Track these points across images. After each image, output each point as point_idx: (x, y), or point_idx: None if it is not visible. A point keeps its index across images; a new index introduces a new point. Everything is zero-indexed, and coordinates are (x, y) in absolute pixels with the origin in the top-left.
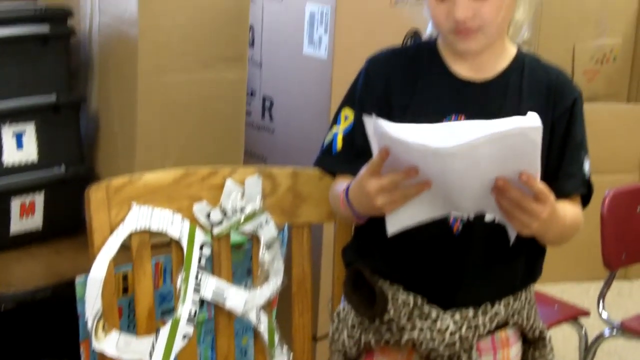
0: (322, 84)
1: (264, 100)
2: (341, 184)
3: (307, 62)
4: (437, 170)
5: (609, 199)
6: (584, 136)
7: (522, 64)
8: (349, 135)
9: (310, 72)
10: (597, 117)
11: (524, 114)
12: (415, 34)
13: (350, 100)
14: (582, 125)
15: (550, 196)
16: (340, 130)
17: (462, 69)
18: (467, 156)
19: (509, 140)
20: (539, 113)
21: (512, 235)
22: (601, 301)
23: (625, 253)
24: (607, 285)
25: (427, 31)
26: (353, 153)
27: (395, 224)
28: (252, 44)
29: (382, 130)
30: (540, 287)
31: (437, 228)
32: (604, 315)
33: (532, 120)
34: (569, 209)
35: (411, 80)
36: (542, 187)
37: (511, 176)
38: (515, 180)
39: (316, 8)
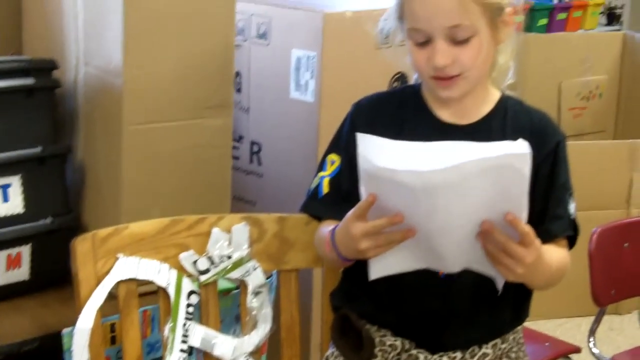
0: (310, 128)
1: (252, 144)
2: (327, 227)
3: (294, 106)
4: (424, 210)
5: (596, 236)
6: (568, 178)
7: (506, 107)
8: (335, 180)
9: (297, 116)
10: (584, 153)
11: None
12: (401, 77)
13: (336, 146)
14: (566, 168)
15: (536, 240)
16: (326, 175)
17: (446, 114)
18: (455, 184)
19: (497, 171)
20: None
21: (500, 284)
22: (592, 337)
23: (614, 289)
24: (597, 321)
25: (414, 75)
26: (339, 197)
27: (377, 270)
28: (239, 89)
29: (372, 152)
30: (532, 324)
31: (423, 271)
32: (595, 351)
33: (520, 147)
34: (555, 254)
35: (396, 124)
36: (527, 229)
37: (497, 217)
38: (501, 222)
39: (302, 53)
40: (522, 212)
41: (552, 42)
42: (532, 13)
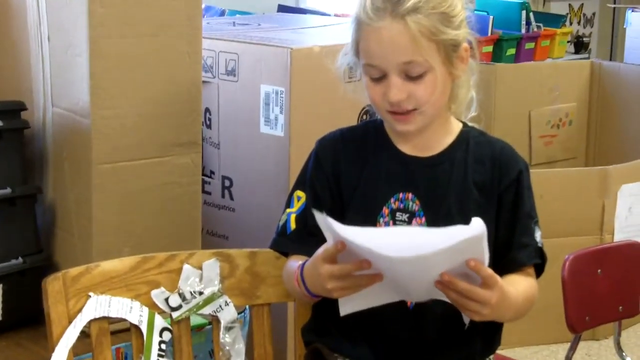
0: (280, 162)
1: (223, 179)
2: (295, 261)
3: (265, 140)
4: (387, 268)
5: (569, 263)
6: (532, 206)
7: (467, 139)
8: (302, 216)
9: (267, 150)
10: (555, 181)
11: (470, 189)
12: (369, 110)
13: (301, 182)
14: (530, 196)
15: (498, 280)
16: (293, 211)
17: (408, 147)
18: (418, 267)
19: (457, 251)
20: (484, 186)
21: (467, 319)
22: None
23: (588, 316)
24: (573, 348)
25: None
26: (306, 232)
27: (347, 308)
28: (209, 125)
29: (332, 229)
30: (509, 351)
31: (392, 303)
32: None
33: (476, 228)
34: (522, 285)
35: (359, 159)
36: (489, 272)
37: (458, 266)
38: (462, 267)
39: (270, 89)
40: (484, 261)
41: (521, 72)
42: (501, 43)
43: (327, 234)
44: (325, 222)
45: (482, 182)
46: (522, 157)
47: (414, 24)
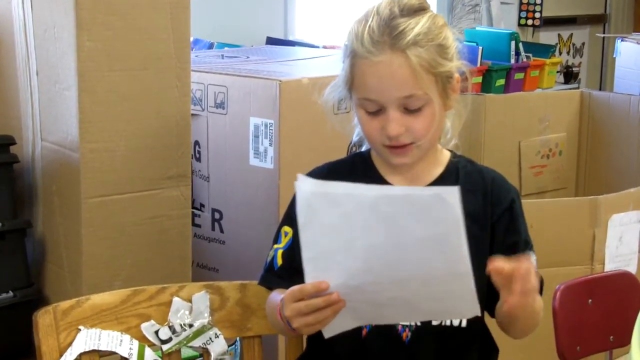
0: (270, 194)
1: (213, 212)
2: (277, 294)
3: (254, 173)
4: (361, 256)
5: (560, 292)
6: (527, 232)
7: (457, 168)
8: (289, 251)
9: (257, 182)
10: (546, 211)
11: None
12: (359, 141)
13: (288, 218)
14: (523, 222)
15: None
16: (280, 247)
17: (397, 179)
18: (387, 214)
19: (428, 207)
20: (477, 216)
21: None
22: None
23: (579, 346)
24: None
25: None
26: (293, 268)
27: (329, 330)
28: (198, 158)
29: (308, 187)
30: None
31: (387, 337)
32: None
33: (451, 189)
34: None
35: None
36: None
37: (438, 270)
38: (443, 275)
39: (259, 121)
40: (465, 261)
41: (511, 102)
42: (490, 74)
43: (300, 212)
44: (301, 181)
45: (475, 212)
46: (512, 185)
47: (415, 57)
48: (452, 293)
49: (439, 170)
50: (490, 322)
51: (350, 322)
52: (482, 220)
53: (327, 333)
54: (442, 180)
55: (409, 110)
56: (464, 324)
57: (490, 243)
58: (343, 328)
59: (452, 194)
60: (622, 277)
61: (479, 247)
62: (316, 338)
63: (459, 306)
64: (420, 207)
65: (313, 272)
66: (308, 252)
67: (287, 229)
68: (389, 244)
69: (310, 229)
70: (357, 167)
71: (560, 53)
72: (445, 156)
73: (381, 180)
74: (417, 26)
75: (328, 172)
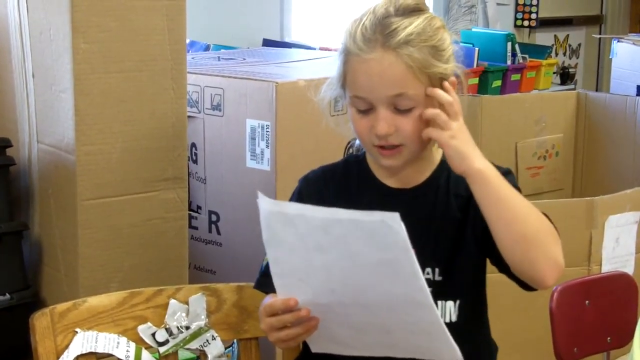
0: (267, 196)
1: (210, 214)
2: (270, 298)
3: (251, 175)
4: (321, 276)
5: (557, 294)
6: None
7: (447, 170)
8: None
9: (254, 184)
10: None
11: (454, 214)
12: (354, 144)
13: None
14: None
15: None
16: None
17: (391, 180)
18: (338, 237)
19: (374, 230)
20: (468, 207)
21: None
22: None
23: (576, 347)
24: None
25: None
26: None
27: (316, 347)
28: (195, 160)
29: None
30: None
31: None
32: None
33: (393, 215)
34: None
35: (343, 195)
36: (448, 98)
37: (392, 293)
38: (399, 301)
39: (256, 123)
40: (424, 293)
41: (507, 103)
42: (486, 75)
43: (263, 230)
44: (262, 201)
45: (463, 217)
46: (503, 166)
47: (406, 56)
48: (423, 326)
49: (431, 168)
50: (490, 322)
51: (336, 347)
52: (474, 210)
53: (314, 349)
54: (434, 178)
55: (399, 110)
56: (454, 319)
57: (483, 228)
58: (330, 350)
59: (395, 220)
60: (619, 278)
61: (471, 250)
62: None
63: (436, 346)
64: (367, 231)
65: (282, 287)
66: (275, 268)
67: None
68: (345, 266)
69: (273, 246)
70: (352, 170)
71: (557, 54)
72: (438, 155)
73: (375, 182)
74: (410, 26)
75: (324, 175)
